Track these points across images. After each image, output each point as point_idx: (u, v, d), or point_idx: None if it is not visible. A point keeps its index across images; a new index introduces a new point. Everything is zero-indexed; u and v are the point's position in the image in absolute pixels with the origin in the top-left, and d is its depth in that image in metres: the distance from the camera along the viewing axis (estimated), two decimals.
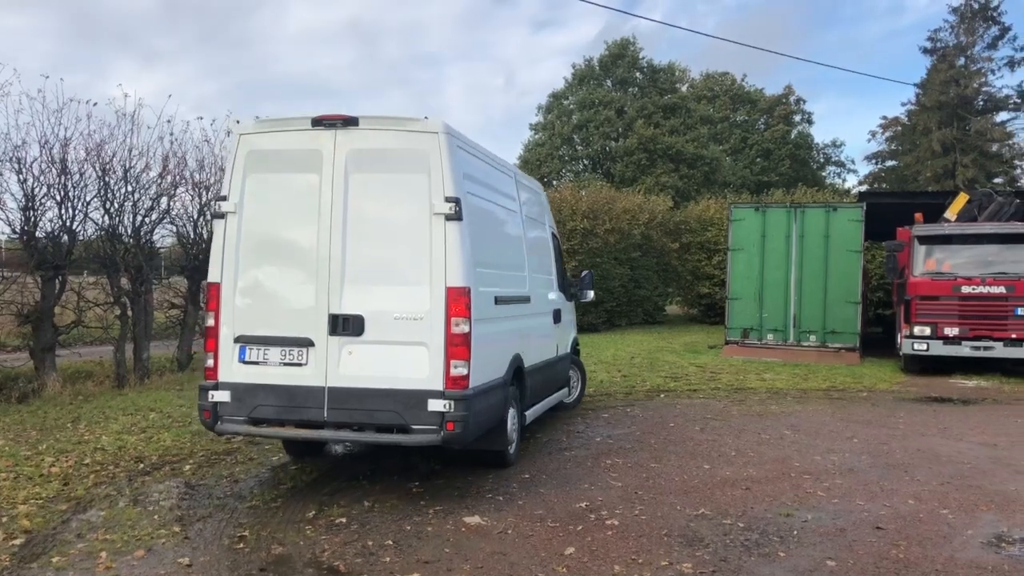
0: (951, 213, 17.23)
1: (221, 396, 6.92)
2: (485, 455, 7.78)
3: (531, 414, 8.85)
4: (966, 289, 15.74)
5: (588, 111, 44.50)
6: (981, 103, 45.02)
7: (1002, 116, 45.29)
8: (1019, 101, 43.93)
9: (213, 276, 7.09)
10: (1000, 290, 15.59)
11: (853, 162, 59.30)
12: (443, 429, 6.54)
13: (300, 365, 6.83)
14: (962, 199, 17.34)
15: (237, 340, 6.95)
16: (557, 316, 10.16)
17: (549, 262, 10.25)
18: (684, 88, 52.75)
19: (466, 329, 6.66)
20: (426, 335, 6.65)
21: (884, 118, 50.72)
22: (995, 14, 44.14)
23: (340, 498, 6.92)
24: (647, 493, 7.12)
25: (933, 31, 46.30)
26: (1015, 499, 7.19)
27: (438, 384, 6.60)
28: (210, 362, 7.03)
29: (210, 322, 7.09)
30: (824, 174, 57.80)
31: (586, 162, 46.84)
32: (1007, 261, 15.76)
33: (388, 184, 6.94)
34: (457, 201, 6.69)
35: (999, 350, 15.70)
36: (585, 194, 26.70)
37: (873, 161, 52.11)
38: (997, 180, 41.74)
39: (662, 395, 12.85)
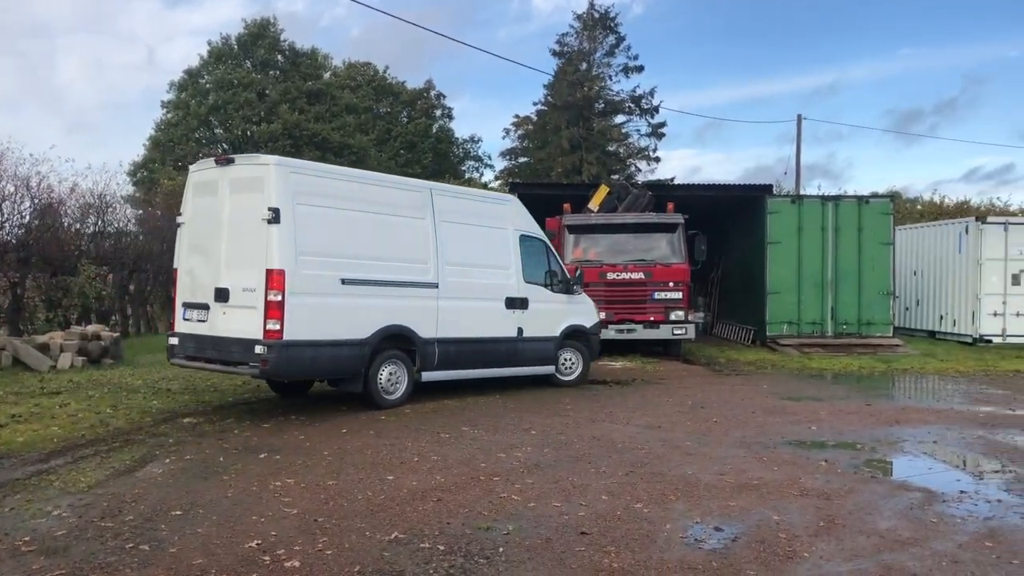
0: (594, 204, 18.11)
1: (173, 341, 10.60)
2: (355, 395, 10.75)
3: (434, 376, 11.26)
4: (611, 275, 16.58)
5: (226, 92, 41.66)
6: (602, 105, 49.11)
7: (620, 118, 49.83)
8: (632, 105, 48.55)
9: (176, 264, 10.82)
10: (639, 276, 16.63)
11: (490, 157, 61.83)
12: (261, 366, 9.44)
13: (203, 321, 10.18)
14: (603, 190, 18.30)
15: (182, 305, 10.50)
16: (515, 303, 12.33)
17: (505, 259, 12.31)
18: (327, 75, 51.59)
19: (279, 298, 9.43)
20: (257, 301, 9.55)
21: (517, 116, 53.48)
22: (613, 24, 48.40)
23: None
24: (329, 519, 6.09)
25: (561, 35, 49.62)
26: (695, 483, 7.24)
27: (260, 335, 9.46)
28: (173, 319, 10.73)
29: (173, 294, 10.86)
30: (464, 168, 59.81)
31: (226, 146, 43.88)
32: (645, 248, 16.85)
33: (247, 200, 9.81)
34: (276, 211, 9.47)
35: (640, 332, 16.77)
36: None
37: (508, 157, 54.77)
38: (615, 176, 45.77)
39: (326, 397, 11.81)
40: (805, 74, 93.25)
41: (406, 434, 9.14)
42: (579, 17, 48.65)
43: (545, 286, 12.99)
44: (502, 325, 12.23)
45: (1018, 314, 20.29)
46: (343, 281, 10.05)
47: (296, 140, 41.00)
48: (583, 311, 13.71)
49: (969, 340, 20.49)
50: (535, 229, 13.28)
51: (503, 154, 54.57)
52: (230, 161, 10.26)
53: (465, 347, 11.62)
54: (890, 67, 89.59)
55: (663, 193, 20.09)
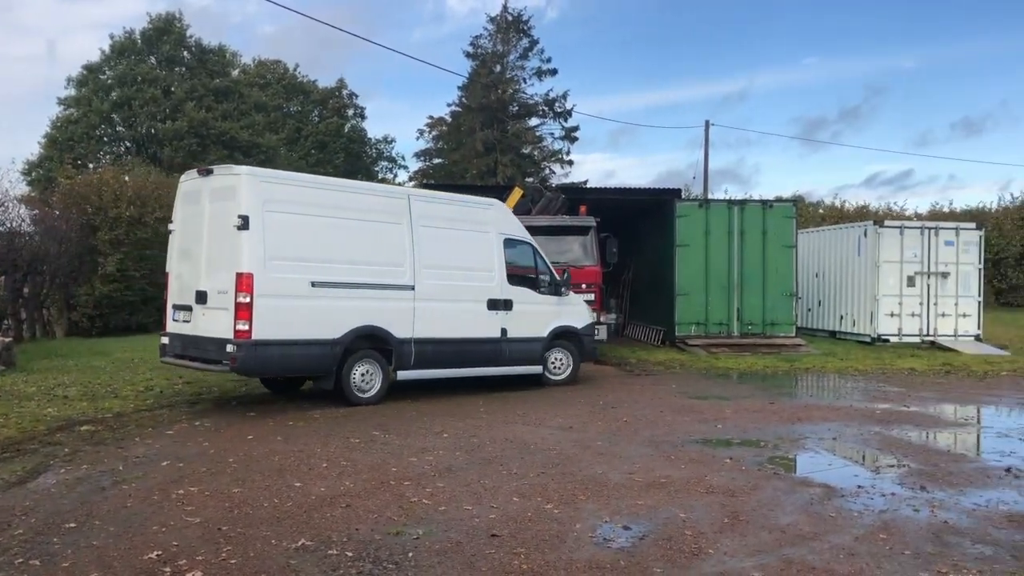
0: (508, 206, 18.12)
1: (164, 340, 11.28)
2: (329, 392, 11.17)
3: (411, 375, 11.74)
4: None
5: (130, 88, 40.29)
6: (516, 108, 49.33)
7: (534, 121, 50.13)
8: (546, 109, 48.92)
9: (167, 268, 11.45)
10: None
11: (404, 158, 61.45)
12: (231, 363, 10.03)
13: (187, 322, 10.86)
14: (517, 193, 18.37)
15: (172, 307, 11.19)
16: (498, 305, 12.67)
17: (487, 262, 12.66)
18: (236, 73, 50.46)
19: (247, 300, 9.98)
20: (228, 303, 10.10)
21: (431, 118, 53.31)
22: (526, 27, 48.66)
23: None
24: (234, 528, 5.93)
25: (475, 37, 49.64)
26: (605, 483, 7.31)
27: (231, 335, 10.01)
28: (165, 320, 11.40)
29: (165, 295, 11.45)
30: (377, 169, 59.31)
31: (129, 144, 42.44)
32: (558, 251, 16.94)
33: (223, 208, 10.39)
34: (246, 218, 10.07)
35: None
36: (130, 179, 23.86)
37: (422, 158, 54.52)
38: (529, 179, 46.02)
39: (234, 402, 11.54)
40: (716, 81, 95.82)
41: (315, 440, 8.99)
42: (493, 19, 48.88)
43: (532, 288, 13.33)
44: (484, 326, 12.57)
45: (913, 314, 21.16)
46: (313, 284, 10.56)
47: (203, 139, 39.95)
48: (574, 312, 14.04)
49: (868, 340, 21.27)
50: (521, 232, 13.56)
51: (417, 155, 54.38)
52: (209, 172, 10.94)
53: (444, 347, 12.03)
54: (796, 76, 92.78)
55: (576, 196, 20.28)
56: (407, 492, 6.93)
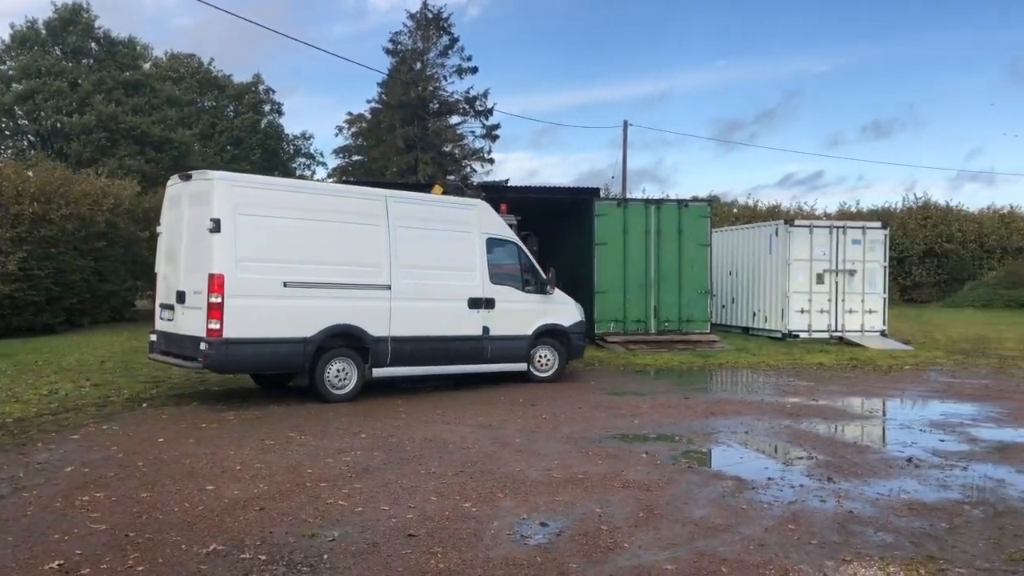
0: None
1: (152, 337, 11.86)
2: (302, 388, 11.51)
3: (388, 372, 12.02)
4: None
5: (33, 80, 38.70)
6: (436, 106, 49.10)
7: (454, 119, 49.96)
8: (467, 107, 48.82)
9: (156, 269, 12.04)
10: None
11: (322, 155, 60.66)
12: (203, 360, 10.47)
13: (171, 321, 11.35)
14: (437, 191, 18.20)
15: (159, 306, 11.74)
16: (479, 303, 12.89)
17: (468, 261, 12.86)
18: (147, 66, 48.96)
19: (219, 300, 10.35)
20: (202, 303, 10.49)
21: (350, 114, 52.66)
22: (446, 24, 48.45)
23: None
24: (142, 534, 5.76)
25: (394, 34, 49.18)
26: (523, 480, 7.35)
27: (204, 333, 10.41)
28: (154, 318, 11.92)
29: (154, 295, 12.07)
30: (295, 165, 58.37)
31: (33, 138, 40.78)
32: None
33: (199, 212, 10.78)
34: (218, 221, 10.44)
35: None
36: (33, 174, 22.91)
37: (341, 155, 53.82)
38: (450, 177, 45.90)
39: (144, 404, 11.18)
40: (637, 82, 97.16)
41: (228, 442, 8.79)
42: (412, 16, 48.50)
43: (516, 287, 13.53)
44: (465, 324, 12.79)
45: (822, 311, 21.84)
46: (285, 284, 10.89)
47: (113, 133, 38.58)
48: (561, 310, 14.19)
49: (779, 335, 21.86)
50: (505, 232, 13.72)
51: (336, 152, 53.70)
52: (189, 177, 11.42)
53: (422, 345, 12.30)
54: (713, 77, 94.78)
55: (497, 195, 20.26)
56: (323, 494, 6.84)
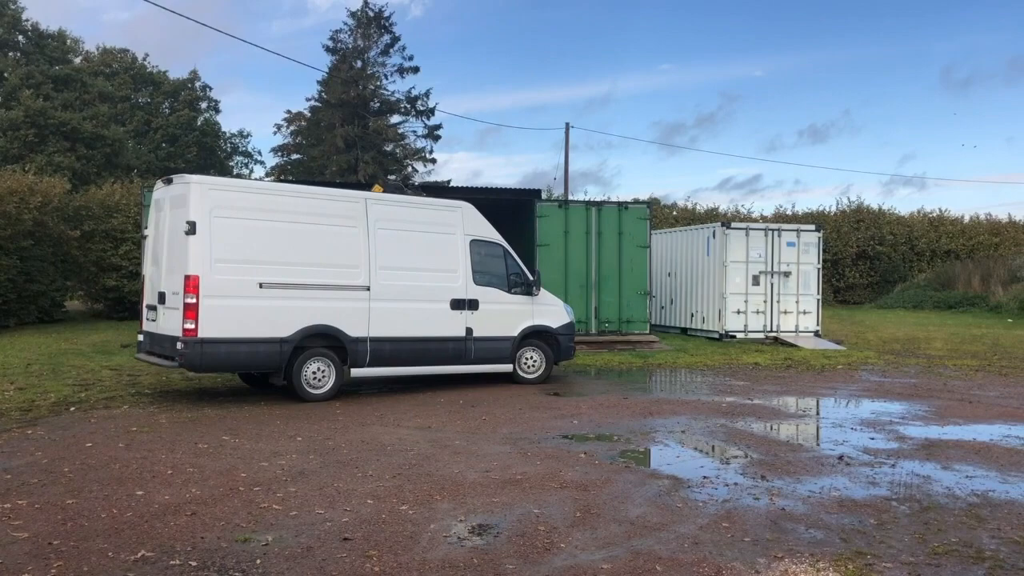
0: None
1: (140, 337, 12.15)
2: (280, 387, 11.70)
3: (368, 372, 12.16)
4: None
5: None
6: (377, 105, 48.72)
7: (395, 119, 49.63)
8: (408, 106, 48.54)
9: (143, 271, 12.38)
10: None
11: (260, 153, 59.74)
12: (179, 359, 10.69)
13: (154, 321, 11.63)
14: (377, 190, 18.07)
15: (145, 307, 12.05)
16: (462, 304, 12.95)
17: (451, 263, 12.93)
18: (78, 60, 47.74)
19: (193, 301, 10.58)
20: (179, 303, 10.73)
21: (289, 112, 52.00)
22: (388, 23, 48.08)
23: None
24: (66, 542, 5.58)
25: (334, 31, 48.65)
26: (461, 482, 7.32)
27: (180, 333, 10.63)
28: (141, 319, 12.22)
29: (141, 296, 12.27)
30: (232, 164, 57.41)
31: None
32: None
33: (178, 215, 11.00)
34: (193, 223, 10.66)
35: None
36: None
37: (280, 153, 53.09)
38: (392, 177, 45.62)
39: (72, 408, 10.86)
40: (581, 84, 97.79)
41: (160, 446, 8.59)
42: (353, 15, 48.02)
43: (502, 288, 13.58)
44: (447, 325, 12.87)
45: (758, 312, 22.24)
46: (261, 285, 11.09)
47: (41, 129, 37.50)
48: (549, 312, 14.19)
49: (716, 336, 22.19)
50: (490, 234, 13.70)
51: (275, 150, 52.94)
52: (170, 181, 11.68)
53: (402, 346, 12.42)
54: (656, 81, 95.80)
55: (438, 195, 20.19)
56: (257, 498, 6.72)
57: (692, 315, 23.61)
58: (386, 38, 48.17)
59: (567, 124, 37.90)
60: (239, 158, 58.79)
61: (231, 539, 5.70)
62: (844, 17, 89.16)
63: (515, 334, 13.71)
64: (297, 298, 11.40)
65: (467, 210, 13.57)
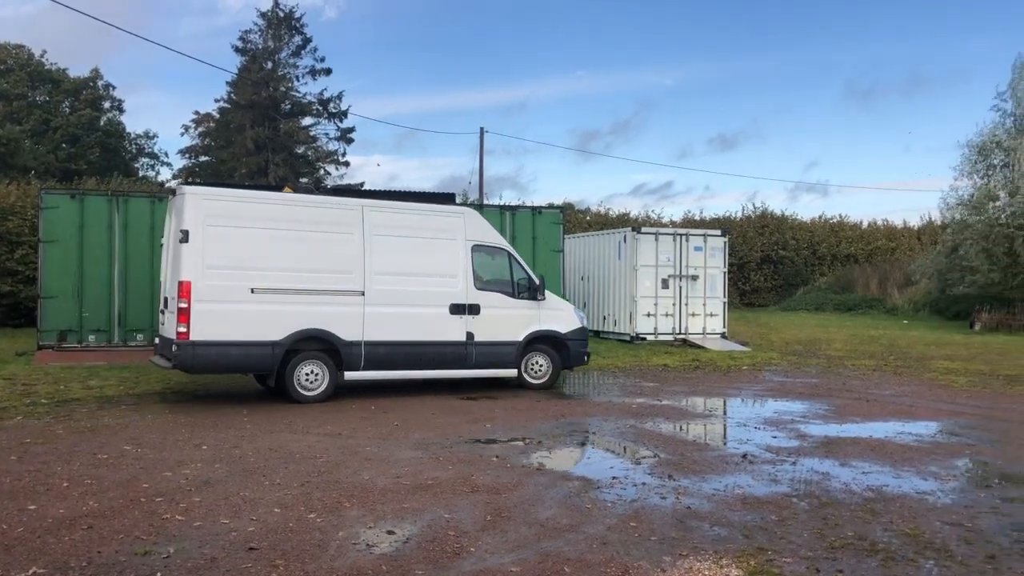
0: None
1: (156, 340, 12.85)
2: (275, 389, 12.13)
3: (362, 375, 12.40)
4: None
5: None
6: (289, 106, 47.86)
7: (307, 121, 48.80)
8: (320, 108, 47.83)
9: (161, 278, 12.78)
10: None
11: (167, 155, 57.84)
12: (174, 361, 11.25)
13: (164, 324, 12.25)
14: (288, 191, 17.82)
15: (160, 311, 12.69)
16: (462, 309, 12.98)
17: (451, 268, 12.97)
18: None
19: (186, 305, 11.02)
20: (175, 307, 11.24)
21: (197, 113, 50.62)
22: (299, 24, 47.24)
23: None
24: None
25: (244, 32, 47.52)
26: (371, 489, 7.26)
27: (174, 336, 11.15)
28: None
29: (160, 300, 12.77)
30: (138, 165, 55.54)
31: None
32: None
33: (177, 223, 11.47)
34: (186, 232, 11.12)
35: None
36: None
37: (187, 155, 51.63)
38: (303, 180, 44.90)
39: None
40: (499, 89, 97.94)
41: (56, 458, 8.25)
42: (264, 15, 47.08)
43: (505, 293, 13.53)
44: (446, 330, 12.93)
45: (667, 314, 22.68)
46: (252, 290, 11.46)
47: None
48: (557, 317, 14.07)
49: (627, 338, 22.54)
50: (495, 239, 13.76)
51: (183, 152, 51.43)
52: (173, 191, 12.49)
53: (398, 350, 12.56)
54: (572, 87, 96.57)
55: (350, 199, 19.97)
56: (159, 509, 6.53)
57: (604, 318, 23.92)
58: (297, 39, 47.30)
59: (481, 129, 38.05)
60: (145, 160, 56.94)
61: (130, 552, 5.52)
62: (754, 29, 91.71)
63: (520, 339, 13.63)
64: (289, 302, 11.70)
65: (470, 216, 13.64)
